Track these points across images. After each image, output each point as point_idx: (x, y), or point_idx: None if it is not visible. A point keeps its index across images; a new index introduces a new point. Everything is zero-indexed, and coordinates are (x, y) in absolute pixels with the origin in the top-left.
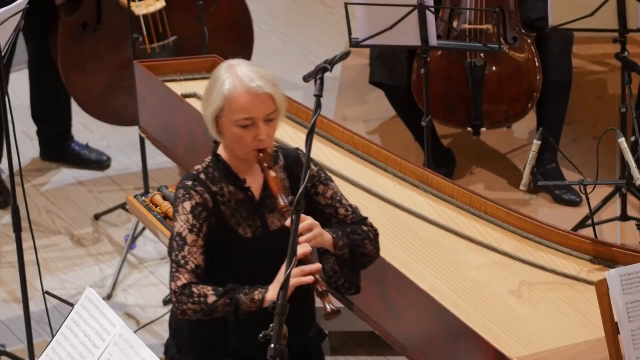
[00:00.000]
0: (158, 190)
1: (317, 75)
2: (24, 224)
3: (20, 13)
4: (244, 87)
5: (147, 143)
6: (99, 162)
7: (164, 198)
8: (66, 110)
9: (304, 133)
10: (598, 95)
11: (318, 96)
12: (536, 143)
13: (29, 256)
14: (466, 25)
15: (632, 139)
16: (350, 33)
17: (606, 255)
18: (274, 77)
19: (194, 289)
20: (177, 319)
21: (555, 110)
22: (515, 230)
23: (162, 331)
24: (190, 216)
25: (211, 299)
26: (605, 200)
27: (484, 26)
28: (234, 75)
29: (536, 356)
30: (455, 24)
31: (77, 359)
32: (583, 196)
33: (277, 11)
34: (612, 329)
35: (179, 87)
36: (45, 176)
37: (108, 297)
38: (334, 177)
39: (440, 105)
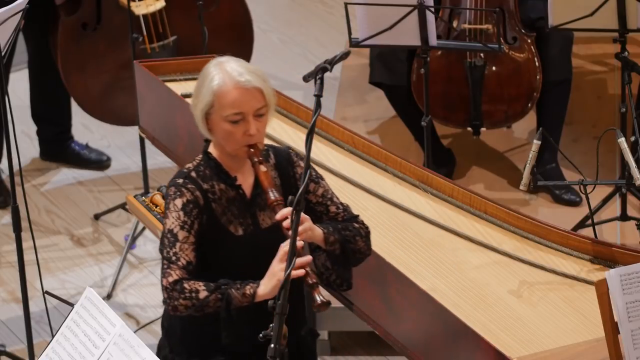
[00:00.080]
0: (158, 190)
1: (317, 75)
2: (24, 224)
3: (20, 13)
4: (233, 82)
5: (147, 143)
6: (99, 162)
7: (164, 198)
8: (66, 110)
9: (304, 133)
10: (598, 95)
11: (318, 96)
12: (536, 143)
13: (29, 256)
14: (466, 25)
15: (632, 139)
16: (350, 33)
17: (606, 255)
18: (263, 72)
19: (186, 285)
20: (170, 318)
21: (555, 110)
22: (515, 230)
23: None
24: (181, 213)
25: (203, 294)
26: (605, 200)
27: (484, 26)
28: (223, 71)
29: (536, 356)
30: (455, 24)
31: (77, 359)
32: (583, 196)
33: (277, 11)
34: (612, 329)
35: (179, 87)
36: (45, 176)
37: (108, 297)
38: (333, 177)
39: (440, 105)
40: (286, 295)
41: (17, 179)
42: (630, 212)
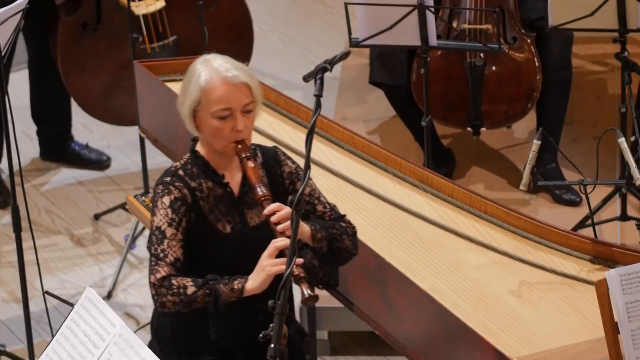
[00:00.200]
0: None
1: (317, 75)
2: (24, 224)
3: (20, 13)
4: (220, 77)
5: (147, 143)
6: (99, 162)
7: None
8: (66, 110)
9: (304, 133)
10: (598, 95)
11: (318, 96)
12: (536, 143)
13: (29, 256)
14: (466, 25)
15: (632, 139)
16: (350, 33)
17: (606, 255)
18: (250, 69)
19: (174, 281)
20: (159, 319)
21: (555, 110)
22: (515, 230)
23: None
24: (169, 210)
25: (190, 290)
26: (605, 200)
27: (484, 26)
28: (210, 67)
29: (536, 356)
30: (455, 24)
31: (77, 359)
32: (583, 196)
33: (277, 11)
34: (612, 329)
35: (179, 87)
36: (45, 176)
37: (108, 297)
38: (333, 177)
39: (440, 105)
40: (286, 295)
41: (17, 179)
42: (630, 212)
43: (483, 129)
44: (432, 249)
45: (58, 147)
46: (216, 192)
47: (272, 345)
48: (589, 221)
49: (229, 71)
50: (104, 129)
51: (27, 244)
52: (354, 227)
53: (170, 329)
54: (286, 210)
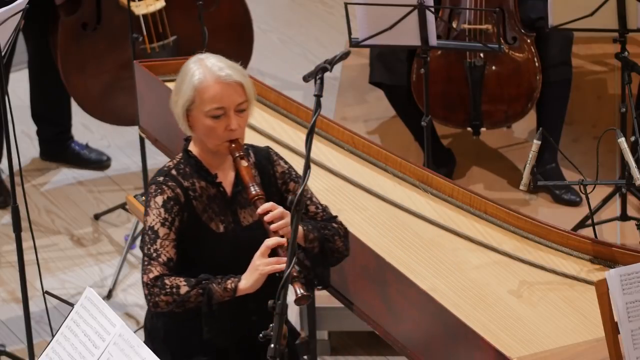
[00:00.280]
0: None
1: (317, 75)
2: (24, 224)
3: (20, 13)
4: (213, 76)
5: (147, 143)
6: (99, 162)
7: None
8: (66, 110)
9: (304, 133)
10: (598, 95)
11: (318, 96)
12: (536, 143)
13: (29, 256)
14: (466, 25)
15: (632, 139)
16: (350, 33)
17: (606, 255)
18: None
19: (167, 281)
20: (152, 320)
21: (555, 110)
22: (515, 230)
23: None
24: (162, 210)
25: (184, 289)
26: (605, 200)
27: (484, 26)
28: (204, 66)
29: (536, 356)
30: (455, 24)
31: (77, 359)
32: (583, 196)
33: (277, 11)
34: (612, 329)
35: None
36: (45, 176)
37: (108, 297)
38: (333, 177)
39: (440, 105)
40: (286, 295)
41: (17, 179)
42: (630, 212)
43: (483, 129)
44: (432, 249)
45: (58, 147)
46: (209, 192)
47: (272, 345)
48: (589, 221)
49: (222, 70)
50: (104, 129)
51: (27, 244)
52: (345, 229)
53: (164, 330)
54: (280, 209)
